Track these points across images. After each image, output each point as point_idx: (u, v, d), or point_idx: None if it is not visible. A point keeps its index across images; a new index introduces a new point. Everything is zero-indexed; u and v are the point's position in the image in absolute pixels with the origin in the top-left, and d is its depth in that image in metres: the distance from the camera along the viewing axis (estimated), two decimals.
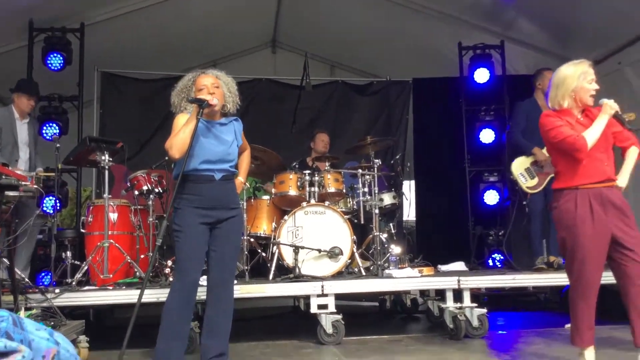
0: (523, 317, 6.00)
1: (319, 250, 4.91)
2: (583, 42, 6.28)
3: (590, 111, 3.32)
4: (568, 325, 3.32)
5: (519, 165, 5.03)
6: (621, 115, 3.27)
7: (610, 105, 3.22)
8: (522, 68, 7.21)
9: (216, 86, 3.34)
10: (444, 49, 7.24)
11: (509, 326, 5.34)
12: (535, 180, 5.03)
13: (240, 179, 3.59)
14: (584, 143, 3.14)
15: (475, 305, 4.56)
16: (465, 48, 6.93)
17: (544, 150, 4.87)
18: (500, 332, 4.93)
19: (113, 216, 4.90)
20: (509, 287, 5.77)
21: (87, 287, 4.54)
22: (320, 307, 4.43)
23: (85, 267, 4.68)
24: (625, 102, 5.87)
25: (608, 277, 3.34)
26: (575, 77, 3.26)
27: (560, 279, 4.65)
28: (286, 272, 4.95)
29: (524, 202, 5.28)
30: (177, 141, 3.17)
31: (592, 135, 3.17)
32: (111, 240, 4.68)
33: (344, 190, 5.49)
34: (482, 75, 6.80)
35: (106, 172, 4.79)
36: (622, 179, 3.30)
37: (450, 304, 4.59)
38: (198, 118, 3.17)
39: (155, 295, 4.15)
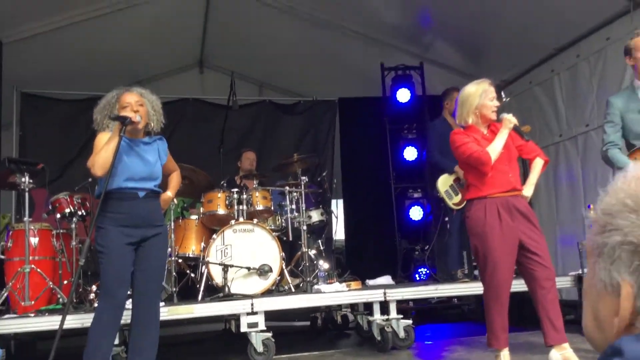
0: (449, 328, 6.22)
1: (248, 268, 4.92)
2: (496, 63, 6.66)
3: (495, 126, 3.57)
4: None
5: (444, 183, 5.24)
6: (519, 128, 3.53)
7: (509, 120, 3.48)
8: (441, 88, 7.53)
9: (140, 104, 3.33)
10: (368, 70, 7.48)
11: (435, 337, 5.53)
12: (459, 197, 5.22)
13: (169, 193, 3.58)
14: (488, 158, 3.37)
15: (402, 316, 4.70)
16: (388, 69, 7.18)
17: None
18: (426, 342, 5.11)
19: (34, 240, 4.74)
20: (434, 298, 6.00)
21: (7, 316, 4.37)
22: (251, 325, 4.44)
23: (5, 295, 4.49)
24: (535, 118, 6.33)
25: (522, 285, 3.56)
26: (477, 95, 3.50)
27: (481, 288, 4.87)
28: (216, 292, 4.92)
29: (446, 218, 5.50)
30: (99, 159, 3.14)
31: (495, 149, 3.41)
32: (32, 266, 4.53)
33: (272, 208, 5.55)
34: (403, 95, 7.07)
35: (26, 194, 4.64)
36: (528, 189, 3.55)
37: (377, 316, 4.71)
38: (121, 135, 3.16)
39: (79, 321, 4.03)
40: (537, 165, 3.65)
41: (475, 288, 5.06)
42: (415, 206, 7.01)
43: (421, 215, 6.95)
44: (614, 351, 0.66)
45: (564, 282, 4.85)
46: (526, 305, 3.47)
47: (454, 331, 5.93)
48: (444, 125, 5.52)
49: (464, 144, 3.46)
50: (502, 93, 3.77)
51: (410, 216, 7.01)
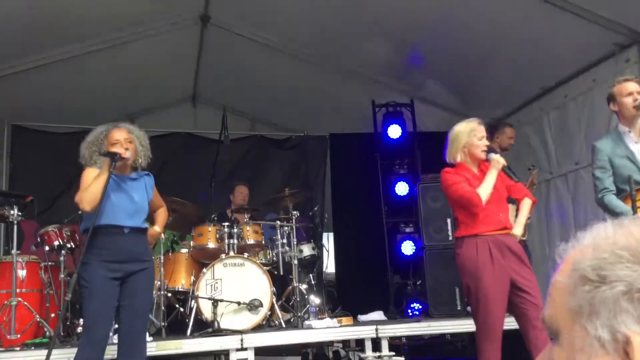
0: None
1: (239, 303, 4.87)
2: (486, 102, 6.77)
3: (485, 165, 3.60)
4: None
5: None
6: (508, 168, 3.55)
7: (497, 160, 3.51)
8: (431, 125, 7.61)
9: (129, 141, 3.35)
10: (359, 106, 7.55)
11: None
12: None
13: (156, 228, 3.57)
14: (479, 200, 3.40)
15: (394, 354, 4.65)
16: (379, 105, 7.26)
17: None
18: None
19: (22, 273, 4.67)
20: (426, 334, 5.94)
21: None
22: None
23: None
24: (525, 156, 6.41)
25: (514, 323, 3.55)
26: (465, 133, 3.55)
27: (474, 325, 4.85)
28: (205, 327, 4.86)
29: None
30: (88, 195, 3.14)
31: (484, 190, 3.44)
32: (19, 299, 4.45)
33: (263, 242, 5.52)
34: (394, 131, 7.13)
35: (15, 226, 4.60)
36: (518, 229, 3.57)
37: (369, 353, 4.66)
38: (110, 171, 3.16)
39: (66, 355, 3.95)
40: (526, 205, 3.68)
41: (468, 325, 5.01)
42: (407, 241, 6.99)
43: (413, 250, 6.92)
44: None
45: None
46: (520, 343, 3.44)
47: None
48: None
49: (455, 184, 3.50)
50: (533, 166, 3.77)
51: (402, 251, 6.98)
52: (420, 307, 6.40)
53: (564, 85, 5.92)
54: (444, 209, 5.88)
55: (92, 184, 3.17)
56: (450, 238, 5.67)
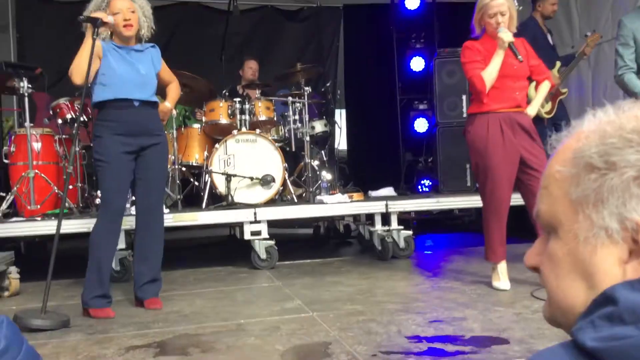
0: (449, 239, 6.33)
1: (251, 178, 4.94)
2: None
3: (517, 39, 3.43)
4: None
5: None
6: (514, 46, 3.34)
7: (503, 39, 3.30)
8: None
9: (132, 11, 3.21)
10: None
11: (435, 247, 5.64)
12: (550, 105, 5.07)
13: (167, 104, 3.52)
14: (482, 86, 3.31)
15: (402, 227, 4.78)
16: None
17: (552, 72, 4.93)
18: (426, 252, 5.22)
19: (37, 146, 4.72)
20: (435, 210, 6.07)
21: (14, 219, 4.44)
22: (254, 233, 4.53)
23: (11, 199, 4.53)
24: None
25: (519, 199, 3.59)
26: (479, 8, 3.38)
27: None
28: (219, 201, 4.97)
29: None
30: (74, 67, 3.09)
31: (489, 74, 3.32)
32: (36, 171, 4.54)
33: (275, 118, 5.49)
34: (412, 2, 6.81)
35: (26, 99, 4.57)
36: (532, 108, 3.48)
37: (378, 227, 4.79)
38: (94, 38, 3.06)
39: (86, 225, 4.09)
40: (544, 87, 3.56)
41: (476, 201, 5.07)
42: (421, 118, 6.93)
43: (426, 128, 6.89)
44: (606, 299, 0.61)
45: None
46: (526, 217, 3.49)
47: (453, 242, 6.05)
48: (535, 27, 5.17)
49: (468, 62, 3.40)
50: (515, 1, 3.58)
51: (415, 128, 6.95)
52: (430, 183, 6.48)
53: None
54: (459, 85, 5.76)
55: (77, 54, 3.09)
56: (464, 115, 5.59)
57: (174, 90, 3.59)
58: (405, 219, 5.45)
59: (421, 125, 6.97)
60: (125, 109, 3.19)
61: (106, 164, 3.17)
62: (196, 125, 5.46)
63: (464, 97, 5.77)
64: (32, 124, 4.63)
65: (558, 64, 5.10)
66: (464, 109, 5.74)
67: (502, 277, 3.45)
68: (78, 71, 3.07)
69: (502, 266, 3.45)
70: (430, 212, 6.44)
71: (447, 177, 5.86)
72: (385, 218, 4.80)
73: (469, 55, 3.42)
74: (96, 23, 3.06)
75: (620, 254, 0.64)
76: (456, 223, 7.16)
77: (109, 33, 3.27)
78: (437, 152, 5.94)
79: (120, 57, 3.21)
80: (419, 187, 6.66)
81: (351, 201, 4.98)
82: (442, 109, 5.91)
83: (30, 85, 4.57)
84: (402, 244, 4.69)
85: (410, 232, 4.77)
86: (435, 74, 5.93)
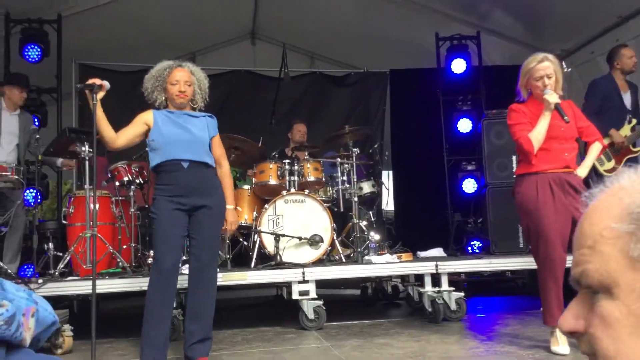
0: (501, 302, 6.13)
1: (300, 238, 4.97)
2: (557, 33, 6.42)
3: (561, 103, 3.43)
4: None
5: None
6: (560, 107, 3.32)
7: (549, 100, 3.30)
8: (497, 58, 7.34)
9: (189, 84, 3.38)
10: (421, 40, 7.33)
11: (487, 310, 5.46)
12: (612, 163, 4.92)
13: (229, 206, 3.49)
14: (530, 148, 3.31)
15: (453, 289, 4.67)
16: (442, 39, 7.02)
17: (621, 131, 4.86)
18: (478, 315, 5.06)
19: (94, 207, 4.89)
20: (487, 271, 5.92)
21: (70, 278, 4.56)
22: (302, 293, 4.51)
23: (68, 258, 4.67)
24: None
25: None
26: (525, 72, 3.40)
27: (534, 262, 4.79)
28: (268, 260, 5.00)
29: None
30: (102, 136, 3.36)
31: (536, 136, 3.32)
32: (94, 231, 4.67)
33: (324, 179, 5.55)
34: (459, 66, 6.91)
35: (86, 162, 4.78)
36: (582, 170, 3.43)
37: (428, 288, 4.70)
38: (94, 103, 3.28)
39: (138, 284, 4.18)
40: (595, 149, 3.52)
41: (529, 262, 4.95)
42: (469, 179, 6.89)
43: (475, 188, 6.83)
44: None
45: None
46: None
47: (506, 305, 5.85)
48: (610, 84, 5.09)
49: (516, 124, 3.41)
50: (564, 63, 3.59)
51: (463, 189, 6.90)
52: (481, 244, 6.36)
53: None
54: (508, 146, 5.71)
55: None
56: (514, 176, 5.53)
57: (228, 183, 3.56)
58: (455, 281, 5.33)
59: (469, 185, 6.92)
60: (174, 171, 3.29)
61: (158, 219, 3.25)
62: (246, 187, 5.57)
63: (513, 157, 5.72)
64: (91, 187, 4.81)
65: (634, 121, 4.98)
66: (514, 170, 5.68)
67: (561, 342, 3.31)
68: (103, 138, 3.37)
69: None
70: (481, 274, 6.27)
71: (498, 238, 5.75)
72: (435, 279, 4.71)
73: (515, 118, 3.43)
74: (93, 89, 3.25)
75: None
76: (508, 285, 6.95)
77: (164, 99, 3.42)
78: (487, 213, 5.85)
79: (169, 121, 3.35)
80: (469, 248, 6.54)
81: (400, 261, 4.93)
82: (492, 170, 5.86)
83: (90, 150, 4.78)
84: (453, 306, 4.57)
85: (462, 294, 4.65)
86: (483, 135, 5.92)
